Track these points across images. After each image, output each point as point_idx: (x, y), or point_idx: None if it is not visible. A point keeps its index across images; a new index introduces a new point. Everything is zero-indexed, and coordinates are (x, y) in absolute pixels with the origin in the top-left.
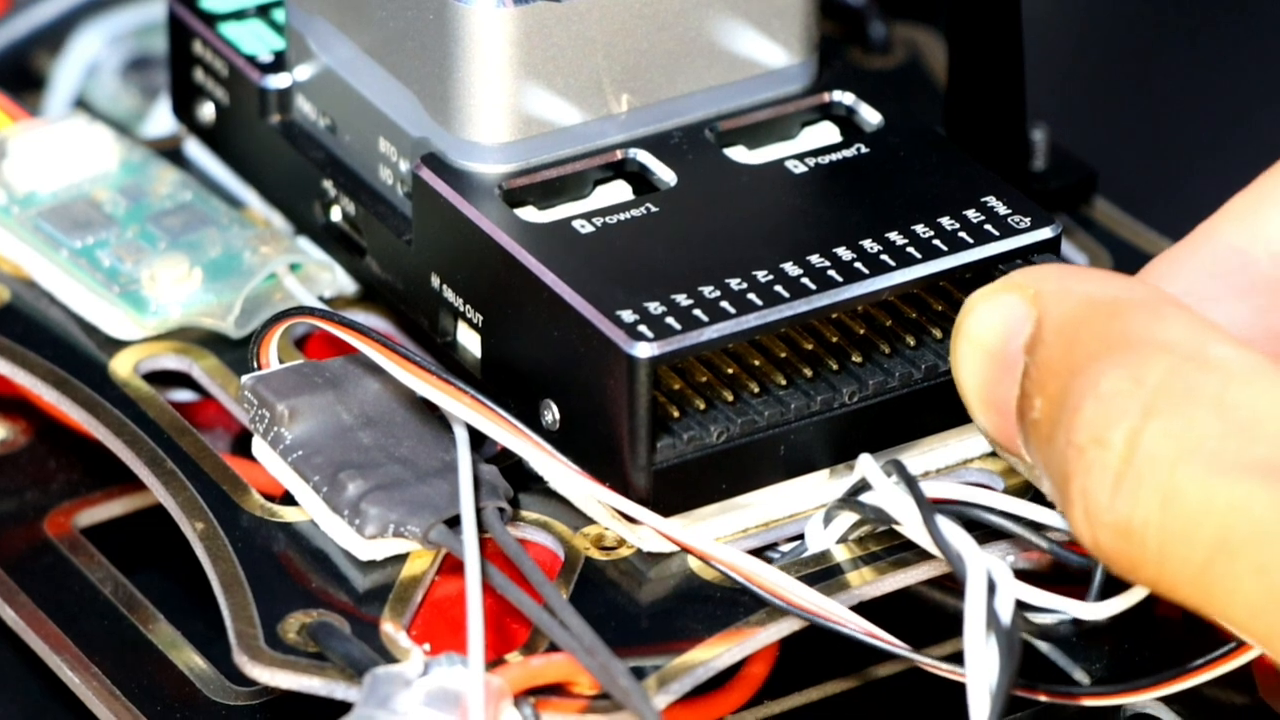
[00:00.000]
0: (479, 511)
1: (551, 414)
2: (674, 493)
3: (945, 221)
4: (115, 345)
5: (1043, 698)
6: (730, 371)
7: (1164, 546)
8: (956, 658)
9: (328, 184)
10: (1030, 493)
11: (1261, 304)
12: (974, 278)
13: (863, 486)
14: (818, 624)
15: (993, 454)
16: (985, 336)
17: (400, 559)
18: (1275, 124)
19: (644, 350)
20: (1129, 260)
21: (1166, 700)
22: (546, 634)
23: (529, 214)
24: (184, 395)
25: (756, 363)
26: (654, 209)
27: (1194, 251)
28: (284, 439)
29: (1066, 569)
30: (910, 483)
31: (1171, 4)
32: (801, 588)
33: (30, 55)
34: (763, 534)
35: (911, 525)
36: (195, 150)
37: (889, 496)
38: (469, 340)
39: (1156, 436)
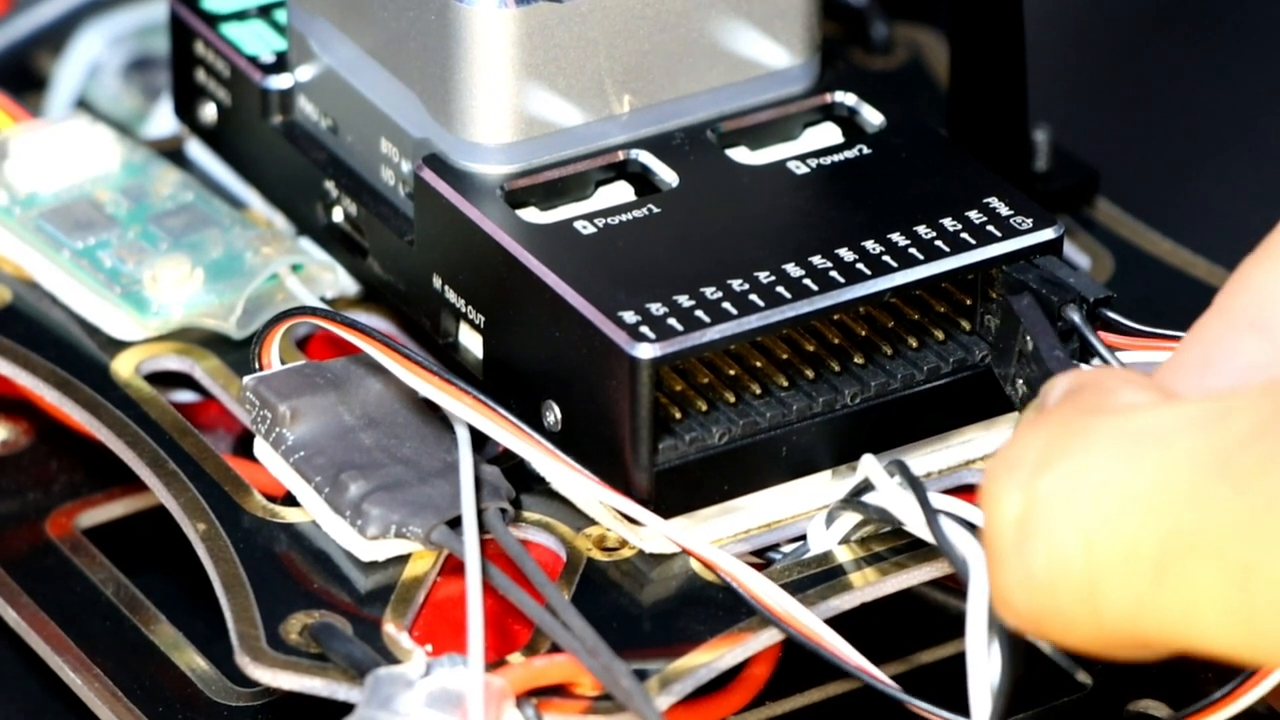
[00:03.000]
0: (481, 512)
1: (553, 415)
2: (676, 494)
3: (947, 222)
4: (117, 346)
5: None
6: (732, 372)
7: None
8: (959, 659)
9: (329, 185)
10: None
11: None
12: (976, 279)
13: (865, 487)
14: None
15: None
16: None
17: (402, 560)
18: (1277, 124)
19: (646, 351)
20: (1131, 261)
21: (1168, 700)
22: (548, 635)
23: (531, 215)
24: (186, 396)
25: (758, 364)
26: (656, 210)
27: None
28: (286, 440)
29: None
30: (913, 483)
31: (1173, 5)
32: (794, 604)
33: (32, 56)
34: (765, 535)
35: (915, 525)
36: (197, 151)
37: (892, 497)
38: (471, 341)
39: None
